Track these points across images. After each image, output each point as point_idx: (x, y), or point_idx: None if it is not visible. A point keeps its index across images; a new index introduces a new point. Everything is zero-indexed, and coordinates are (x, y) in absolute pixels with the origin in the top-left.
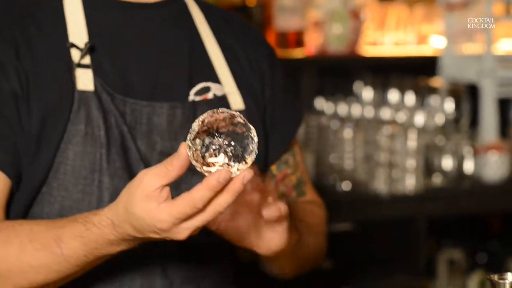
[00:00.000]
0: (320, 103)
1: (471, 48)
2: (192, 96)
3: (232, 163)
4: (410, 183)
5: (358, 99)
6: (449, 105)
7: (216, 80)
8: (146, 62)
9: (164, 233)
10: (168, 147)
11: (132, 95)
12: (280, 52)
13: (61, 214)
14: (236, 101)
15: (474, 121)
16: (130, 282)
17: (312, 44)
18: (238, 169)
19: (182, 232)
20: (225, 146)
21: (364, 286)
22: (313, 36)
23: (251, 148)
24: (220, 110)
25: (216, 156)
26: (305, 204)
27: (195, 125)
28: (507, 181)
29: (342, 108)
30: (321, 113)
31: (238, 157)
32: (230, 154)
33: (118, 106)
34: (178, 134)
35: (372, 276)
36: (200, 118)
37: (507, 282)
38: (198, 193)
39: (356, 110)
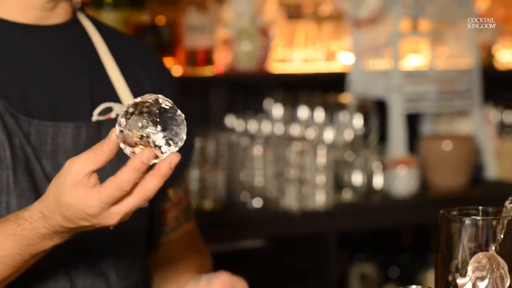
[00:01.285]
0: (231, 120)
1: (379, 64)
2: (95, 117)
3: (161, 146)
4: (320, 199)
5: (268, 116)
6: (358, 121)
7: (117, 100)
8: (48, 83)
9: (93, 219)
10: None
11: (36, 116)
12: (190, 70)
13: None
14: None
15: (382, 137)
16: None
17: (221, 62)
18: (164, 152)
19: (112, 217)
20: (153, 129)
21: None
22: (222, 54)
23: (178, 131)
24: (149, 95)
25: (143, 138)
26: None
27: (126, 107)
28: (416, 195)
29: (252, 125)
30: (231, 130)
31: (166, 140)
32: (158, 136)
33: (22, 127)
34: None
35: None
36: (131, 101)
37: None
38: (124, 176)
39: (266, 127)
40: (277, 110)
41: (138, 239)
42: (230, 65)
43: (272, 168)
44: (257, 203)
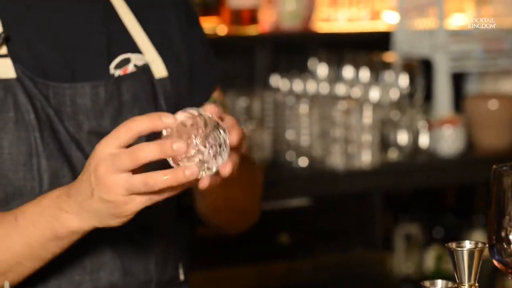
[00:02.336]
0: (275, 80)
1: (424, 23)
2: (112, 70)
3: (203, 165)
4: (366, 158)
5: (313, 75)
6: (403, 80)
7: (136, 50)
8: (62, 43)
9: (109, 202)
10: (95, 126)
11: (52, 79)
12: (234, 30)
13: (7, 202)
14: (159, 69)
15: (428, 96)
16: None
17: (266, 21)
18: (204, 173)
19: (130, 205)
20: (203, 148)
21: (322, 260)
22: (267, 13)
23: (223, 157)
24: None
25: (197, 155)
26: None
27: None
28: (462, 155)
29: (298, 85)
30: (276, 90)
31: (209, 163)
32: (204, 157)
33: (41, 90)
34: (104, 112)
35: (329, 250)
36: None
37: (465, 250)
38: (160, 178)
39: (311, 86)
40: (322, 70)
41: None
42: (275, 24)
43: (318, 127)
44: (302, 162)
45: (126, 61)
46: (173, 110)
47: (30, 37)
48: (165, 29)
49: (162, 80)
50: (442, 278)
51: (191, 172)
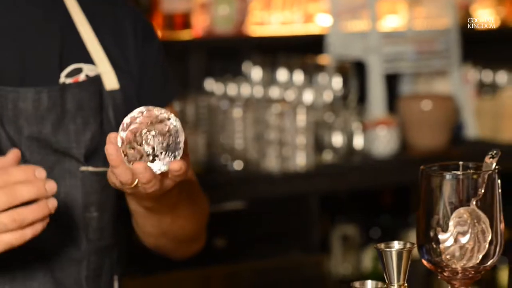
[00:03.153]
0: (210, 84)
1: (357, 25)
2: (63, 78)
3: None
4: (300, 160)
5: (247, 78)
6: (337, 82)
7: (89, 60)
8: (14, 46)
9: None
10: (35, 131)
11: (0, 82)
12: (168, 34)
13: None
14: (111, 80)
15: (362, 97)
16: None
17: (199, 26)
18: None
19: None
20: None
21: (259, 263)
22: (200, 18)
23: (175, 154)
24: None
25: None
26: (196, 186)
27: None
28: (396, 155)
29: (232, 88)
30: (210, 94)
31: (160, 157)
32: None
33: None
34: (45, 119)
35: (266, 253)
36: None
37: (393, 250)
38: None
39: (245, 89)
40: (256, 73)
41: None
42: (208, 28)
43: (252, 130)
44: (237, 165)
45: (78, 71)
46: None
47: None
48: (120, 42)
49: (112, 92)
50: (379, 278)
51: (52, 203)
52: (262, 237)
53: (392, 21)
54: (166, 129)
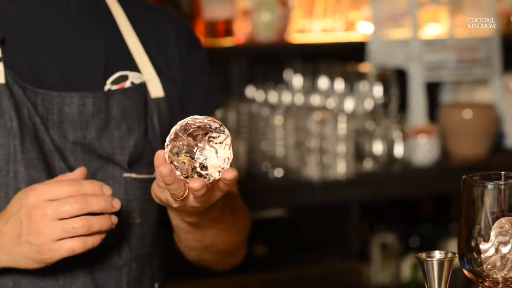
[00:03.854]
0: (251, 91)
1: (398, 33)
2: (108, 85)
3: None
4: (341, 168)
5: (288, 86)
6: (378, 90)
7: (134, 68)
8: (59, 52)
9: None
10: (80, 137)
11: (43, 86)
12: (210, 42)
13: None
14: (156, 88)
15: (403, 106)
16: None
17: (241, 33)
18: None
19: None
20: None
21: (299, 271)
22: (242, 25)
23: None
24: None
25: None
26: (238, 198)
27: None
28: (437, 164)
29: (273, 96)
30: (252, 101)
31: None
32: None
33: (29, 97)
34: (89, 124)
35: (305, 261)
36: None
37: (435, 260)
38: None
39: (286, 97)
40: (297, 81)
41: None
42: (250, 35)
43: (293, 138)
44: (278, 173)
45: (124, 78)
46: (166, 131)
47: (26, 43)
48: (164, 51)
49: (157, 100)
50: (419, 287)
51: (114, 218)
52: (301, 244)
53: (434, 29)
54: (218, 140)
